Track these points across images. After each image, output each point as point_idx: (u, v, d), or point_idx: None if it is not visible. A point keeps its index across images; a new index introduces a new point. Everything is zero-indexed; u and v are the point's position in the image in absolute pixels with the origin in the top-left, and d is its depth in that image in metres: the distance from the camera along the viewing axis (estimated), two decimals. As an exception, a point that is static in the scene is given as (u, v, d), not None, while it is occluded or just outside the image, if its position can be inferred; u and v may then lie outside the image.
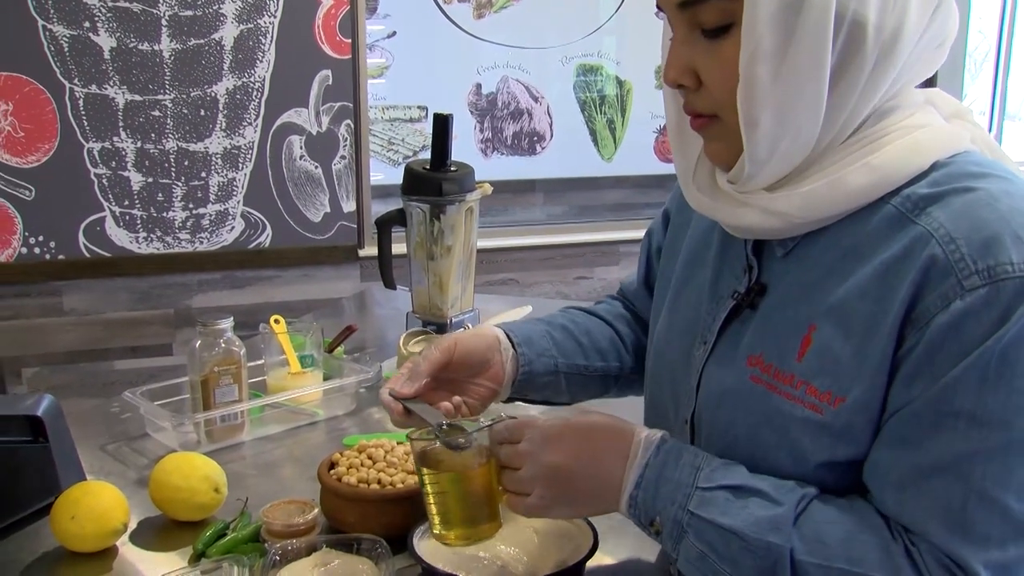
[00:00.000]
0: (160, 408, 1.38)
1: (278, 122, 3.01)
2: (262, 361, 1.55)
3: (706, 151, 0.86)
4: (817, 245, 0.81)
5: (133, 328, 3.01)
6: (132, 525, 1.10)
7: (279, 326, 1.55)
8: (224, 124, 2.96)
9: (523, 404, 1.14)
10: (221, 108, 2.95)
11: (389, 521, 1.02)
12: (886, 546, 0.74)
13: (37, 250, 2.86)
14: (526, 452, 0.85)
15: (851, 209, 0.78)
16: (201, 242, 3.01)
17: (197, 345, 1.36)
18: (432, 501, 0.89)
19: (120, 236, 2.93)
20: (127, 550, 1.08)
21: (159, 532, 1.12)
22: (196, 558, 1.04)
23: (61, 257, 2.88)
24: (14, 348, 2.89)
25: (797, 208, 0.79)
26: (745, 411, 0.83)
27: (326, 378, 1.55)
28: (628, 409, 1.09)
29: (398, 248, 1.73)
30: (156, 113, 2.89)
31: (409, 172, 1.68)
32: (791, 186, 0.79)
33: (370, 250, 3.15)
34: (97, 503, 1.05)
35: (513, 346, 1.04)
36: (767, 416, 0.81)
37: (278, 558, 0.95)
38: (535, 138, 3.54)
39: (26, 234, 2.84)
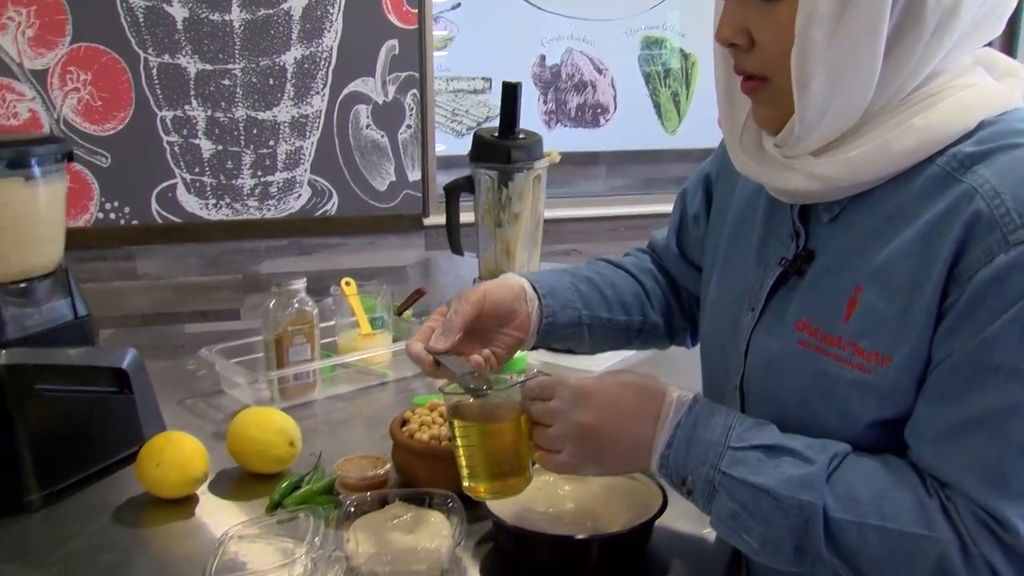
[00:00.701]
0: (235, 365, 1.43)
1: (345, 91, 3.04)
2: (333, 322, 1.58)
3: (754, 115, 0.85)
4: (863, 209, 0.80)
5: (203, 293, 3.09)
6: (211, 476, 1.14)
7: (350, 288, 1.58)
8: (292, 93, 3.00)
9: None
10: (289, 77, 2.99)
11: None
12: (921, 502, 0.74)
13: (112, 215, 2.94)
14: (557, 410, 0.86)
15: (896, 172, 0.78)
16: (269, 209, 3.07)
17: (271, 305, 1.40)
18: (462, 453, 0.91)
19: (191, 203, 3.00)
20: (207, 499, 1.12)
21: (236, 483, 1.16)
22: (273, 508, 1.08)
23: (135, 222, 2.97)
24: (91, 309, 2.97)
25: (842, 172, 0.78)
26: (793, 375, 0.84)
27: (395, 340, 1.57)
28: (685, 366, 1.11)
29: (465, 216, 1.74)
30: (226, 82, 2.94)
31: (478, 139, 1.70)
32: (837, 151, 0.79)
33: (435, 219, 3.17)
34: (179, 452, 1.10)
35: (538, 296, 1.05)
36: (815, 379, 0.81)
37: (352, 509, 0.98)
38: (599, 110, 3.53)
39: (102, 199, 2.92)
